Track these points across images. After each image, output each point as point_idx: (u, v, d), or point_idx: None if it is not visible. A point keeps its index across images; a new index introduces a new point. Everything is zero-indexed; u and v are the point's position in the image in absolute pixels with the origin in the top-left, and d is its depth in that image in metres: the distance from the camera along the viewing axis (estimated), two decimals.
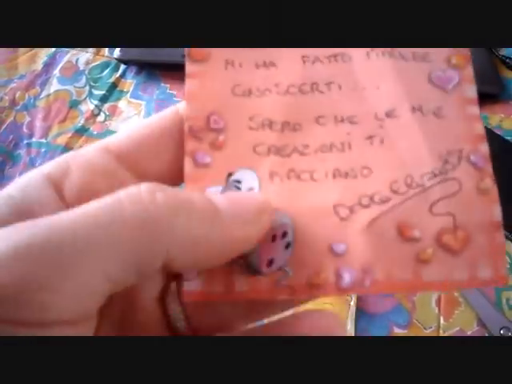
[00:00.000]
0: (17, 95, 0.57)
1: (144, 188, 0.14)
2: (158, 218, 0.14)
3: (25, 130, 0.55)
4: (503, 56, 0.55)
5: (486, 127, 0.53)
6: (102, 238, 0.13)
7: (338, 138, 0.18)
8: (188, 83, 0.19)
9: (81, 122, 0.55)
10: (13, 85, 0.58)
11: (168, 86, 0.56)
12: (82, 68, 0.58)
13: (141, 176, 0.18)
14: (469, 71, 0.19)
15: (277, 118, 0.19)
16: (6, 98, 0.57)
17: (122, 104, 0.56)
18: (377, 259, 0.17)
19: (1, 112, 0.56)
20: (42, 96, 0.57)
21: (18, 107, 0.56)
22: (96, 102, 0.56)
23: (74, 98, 0.56)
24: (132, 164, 0.18)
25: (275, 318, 0.18)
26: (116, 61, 0.58)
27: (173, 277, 0.18)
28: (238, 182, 0.18)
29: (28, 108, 0.56)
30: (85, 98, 0.56)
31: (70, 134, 0.54)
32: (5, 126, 0.55)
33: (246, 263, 0.17)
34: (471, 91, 0.18)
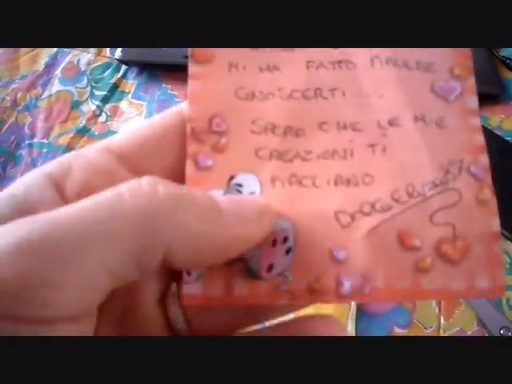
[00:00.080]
0: (18, 96, 0.57)
1: (145, 181, 0.14)
2: (158, 210, 0.14)
3: (26, 130, 0.55)
4: (503, 57, 0.55)
5: (486, 128, 0.53)
6: (102, 231, 0.13)
7: (341, 144, 0.18)
8: (191, 84, 0.19)
9: (82, 122, 0.55)
10: (14, 85, 0.58)
11: (169, 86, 0.56)
12: (83, 69, 0.58)
13: (141, 176, 0.18)
14: (471, 82, 0.19)
15: (280, 122, 0.18)
16: (8, 98, 0.57)
17: (123, 105, 0.56)
18: (377, 267, 0.17)
19: (2, 112, 0.56)
20: (43, 96, 0.57)
21: (20, 108, 0.56)
22: (97, 103, 0.56)
23: (75, 98, 0.56)
24: (134, 164, 0.18)
25: (276, 321, 0.18)
26: (117, 61, 0.58)
27: (173, 278, 0.18)
28: (240, 185, 0.18)
29: (29, 108, 0.56)
30: (86, 99, 0.56)
31: (71, 135, 0.54)
32: (6, 126, 0.55)
33: (245, 268, 0.17)
34: (473, 102, 0.18)
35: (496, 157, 0.51)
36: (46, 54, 0.60)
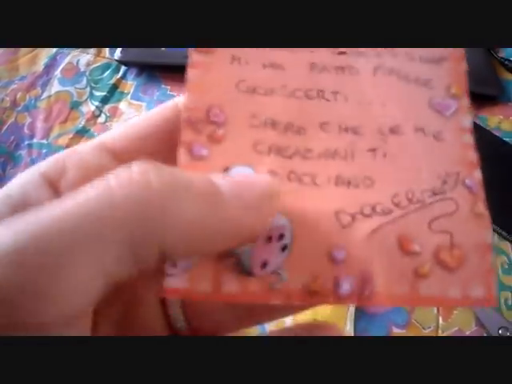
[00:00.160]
0: (18, 96, 0.57)
1: (136, 169, 0.14)
2: (151, 202, 0.13)
3: (26, 130, 0.55)
4: (502, 58, 0.55)
5: (485, 129, 0.53)
6: (92, 231, 0.13)
7: (342, 145, 0.18)
8: (190, 73, 0.18)
9: (82, 123, 0.55)
10: (14, 86, 0.58)
11: (168, 87, 0.56)
12: (82, 69, 0.59)
13: None
14: (465, 102, 0.19)
15: (280, 118, 0.18)
16: (7, 99, 0.57)
17: (122, 105, 0.56)
18: (377, 270, 0.16)
19: (2, 113, 0.56)
20: (42, 97, 0.57)
21: (19, 108, 0.56)
22: (97, 104, 0.56)
23: (74, 99, 0.56)
24: (128, 161, 0.18)
25: (275, 322, 0.18)
26: (117, 62, 0.58)
27: None
28: None
29: (29, 109, 0.56)
30: (86, 100, 0.56)
31: (71, 135, 0.54)
32: (6, 126, 0.55)
33: (237, 263, 0.16)
34: (466, 121, 0.19)
35: (495, 158, 0.51)
36: (45, 54, 0.60)
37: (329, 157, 0.18)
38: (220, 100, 0.18)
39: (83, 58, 0.59)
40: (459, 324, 0.41)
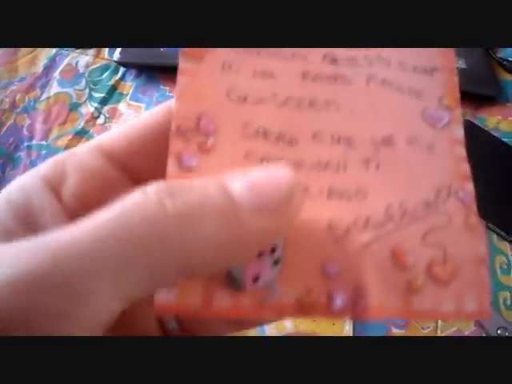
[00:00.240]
0: (17, 98, 0.57)
1: (152, 195, 0.13)
2: (168, 231, 0.13)
3: (25, 132, 0.55)
4: (501, 58, 0.55)
5: (483, 129, 0.53)
6: (110, 254, 0.13)
7: (334, 157, 0.18)
8: (180, 81, 0.18)
9: (81, 124, 0.55)
10: (13, 87, 0.58)
11: (167, 88, 0.56)
12: (81, 71, 0.59)
13: (133, 175, 0.18)
14: (458, 113, 0.19)
15: (272, 128, 0.18)
16: (7, 100, 0.57)
17: (121, 106, 0.56)
18: (370, 283, 0.16)
19: (1, 114, 0.56)
20: (42, 98, 0.57)
21: (19, 110, 0.56)
22: (96, 105, 0.56)
23: (74, 100, 0.56)
24: (124, 164, 0.18)
25: (275, 325, 0.18)
26: (115, 63, 0.58)
27: None
28: None
29: (28, 110, 0.56)
30: (85, 101, 0.56)
31: (70, 137, 0.54)
32: (5, 128, 0.55)
33: (228, 277, 0.16)
34: (459, 132, 0.19)
35: (493, 158, 0.51)
36: (44, 55, 0.60)
37: (321, 168, 0.17)
38: (210, 109, 0.18)
39: (82, 59, 0.59)
40: (458, 324, 0.41)
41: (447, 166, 0.18)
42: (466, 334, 0.40)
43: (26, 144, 0.54)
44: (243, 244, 0.14)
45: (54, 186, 0.17)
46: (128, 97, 0.56)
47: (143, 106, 0.56)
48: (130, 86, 0.57)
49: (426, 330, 0.41)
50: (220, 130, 0.17)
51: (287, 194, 0.14)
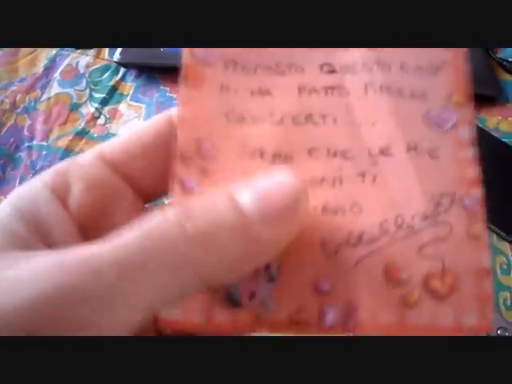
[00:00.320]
0: (17, 98, 0.57)
1: (171, 217, 0.14)
2: (188, 251, 0.14)
3: (25, 132, 0.55)
4: (500, 58, 0.55)
5: (483, 129, 0.53)
6: (136, 276, 0.13)
7: (330, 172, 0.18)
8: (181, 109, 0.18)
9: (81, 124, 0.55)
10: (13, 88, 0.58)
11: (168, 89, 0.57)
12: (82, 71, 0.59)
13: (134, 184, 0.19)
14: (468, 111, 0.18)
15: (268, 147, 0.18)
16: (7, 100, 0.57)
17: (122, 107, 0.56)
18: (362, 300, 0.16)
19: (2, 115, 0.56)
20: (42, 99, 0.57)
21: (19, 110, 0.57)
22: (96, 105, 0.56)
23: (74, 101, 0.57)
24: (126, 173, 0.18)
25: None
26: (116, 64, 0.58)
27: None
28: None
29: (29, 111, 0.56)
30: (85, 101, 0.56)
31: (70, 137, 0.54)
32: (5, 128, 0.55)
33: (226, 294, 0.16)
34: (468, 133, 0.18)
35: (493, 158, 0.51)
36: (44, 56, 0.60)
37: (316, 184, 0.17)
38: (210, 133, 0.18)
39: (82, 59, 0.59)
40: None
41: (452, 172, 0.17)
42: None
43: (26, 144, 0.54)
44: (255, 255, 0.15)
45: (59, 195, 0.17)
46: (128, 97, 0.57)
47: (143, 106, 0.56)
48: (130, 86, 0.57)
49: None
50: (220, 152, 0.18)
51: (293, 201, 0.15)
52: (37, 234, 0.16)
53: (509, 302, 0.41)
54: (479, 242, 0.17)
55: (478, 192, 0.17)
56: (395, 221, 0.17)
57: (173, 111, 0.19)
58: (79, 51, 0.60)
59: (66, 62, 0.59)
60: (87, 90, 0.57)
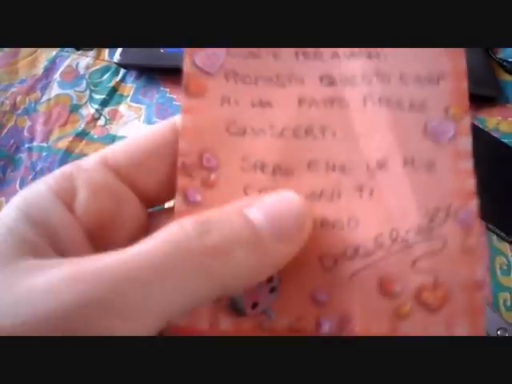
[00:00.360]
0: (17, 99, 0.57)
1: (190, 231, 0.15)
2: (207, 262, 0.15)
3: (26, 134, 0.55)
4: (500, 59, 0.55)
5: (483, 130, 0.53)
6: (157, 286, 0.14)
7: (329, 185, 0.18)
8: (183, 119, 0.19)
9: (81, 126, 0.55)
10: (13, 89, 0.58)
11: (168, 90, 0.57)
12: (82, 72, 0.59)
13: (138, 190, 0.19)
14: (466, 123, 0.18)
15: (269, 160, 0.18)
16: (7, 102, 0.57)
17: (122, 108, 0.56)
18: (357, 311, 0.17)
19: (2, 116, 0.56)
20: (42, 100, 0.57)
21: (19, 111, 0.57)
22: (96, 106, 0.56)
23: (74, 102, 0.57)
24: (129, 178, 0.18)
25: None
26: (116, 65, 0.58)
27: None
28: None
29: (29, 112, 0.57)
30: (85, 102, 0.56)
31: (70, 138, 0.54)
32: (6, 130, 0.55)
33: (231, 304, 0.17)
34: (466, 144, 0.18)
35: (493, 159, 0.51)
36: (44, 57, 0.60)
37: (315, 198, 0.18)
38: (212, 144, 0.18)
39: (82, 60, 0.59)
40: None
41: (449, 184, 0.18)
42: None
43: (26, 146, 0.54)
44: (266, 267, 0.16)
45: (65, 199, 0.17)
46: (128, 98, 0.57)
47: (144, 107, 0.56)
48: (130, 87, 0.57)
49: None
50: (221, 164, 0.18)
51: (301, 216, 0.16)
52: (46, 239, 0.16)
53: (509, 303, 0.41)
54: (473, 255, 0.17)
55: (473, 205, 0.17)
56: (390, 235, 0.17)
57: (177, 118, 0.19)
58: (79, 52, 0.60)
59: (66, 63, 0.60)
60: (87, 91, 0.57)
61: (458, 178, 0.18)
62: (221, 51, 0.19)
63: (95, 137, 0.54)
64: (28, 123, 0.56)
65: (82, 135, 0.54)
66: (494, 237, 0.45)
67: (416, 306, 0.17)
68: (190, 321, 0.17)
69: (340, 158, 0.18)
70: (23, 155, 0.54)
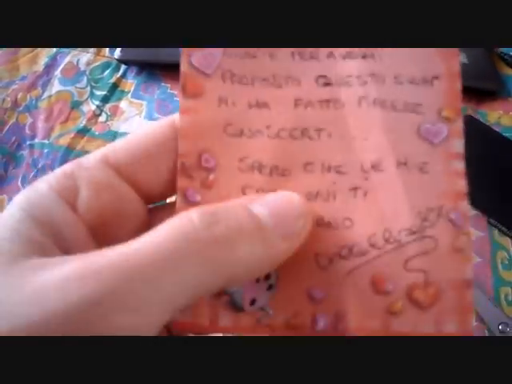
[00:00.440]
0: (19, 96, 0.57)
1: (198, 222, 0.15)
2: (217, 256, 0.15)
3: (27, 131, 0.55)
4: (502, 52, 0.55)
5: (484, 124, 0.53)
6: (167, 279, 0.14)
7: (324, 186, 0.18)
8: (181, 119, 0.19)
9: (83, 122, 0.55)
10: (14, 86, 0.58)
11: (169, 85, 0.57)
12: (82, 69, 0.59)
13: (138, 187, 0.19)
14: (458, 125, 0.18)
15: (266, 161, 0.19)
16: (8, 99, 0.57)
17: (123, 104, 0.56)
18: (350, 308, 0.18)
19: (3, 113, 0.56)
20: (43, 97, 0.57)
21: (20, 108, 0.57)
22: (97, 103, 0.56)
23: (75, 98, 0.57)
24: (130, 177, 0.19)
25: None
26: (117, 61, 0.58)
27: None
28: None
29: (30, 109, 0.57)
30: (86, 99, 0.56)
31: (72, 135, 0.54)
32: (7, 127, 0.55)
33: (230, 301, 0.18)
34: (458, 146, 0.18)
35: (494, 153, 0.51)
36: (45, 54, 0.60)
37: (312, 198, 0.18)
38: (210, 145, 0.19)
39: (83, 57, 0.59)
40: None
41: (441, 185, 0.18)
42: None
43: (28, 143, 0.54)
44: (269, 259, 0.16)
45: (67, 198, 0.17)
46: (129, 94, 0.57)
47: (145, 103, 0.56)
48: (131, 83, 0.57)
49: None
50: (219, 165, 0.19)
51: (302, 213, 0.17)
52: (51, 238, 0.16)
53: (510, 298, 0.41)
54: (463, 254, 0.18)
55: (464, 205, 0.18)
56: (383, 235, 0.18)
57: (176, 116, 0.19)
58: (80, 49, 0.60)
59: (67, 59, 0.59)
60: (88, 88, 0.57)
61: (450, 179, 0.18)
62: (217, 51, 0.19)
63: (96, 133, 0.54)
64: (29, 120, 0.56)
65: (83, 132, 0.54)
66: (496, 231, 0.45)
67: (408, 303, 0.17)
68: (191, 317, 0.18)
69: (335, 159, 0.19)
70: (25, 152, 0.54)
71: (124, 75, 0.58)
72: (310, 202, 0.18)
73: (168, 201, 0.20)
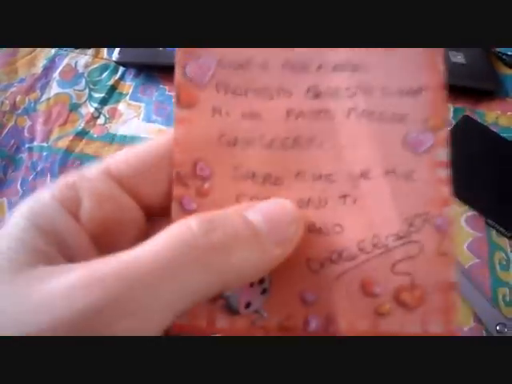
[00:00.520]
0: (17, 99, 0.57)
1: (198, 232, 0.15)
2: (215, 262, 0.15)
3: (26, 133, 0.55)
4: (499, 52, 0.55)
5: (482, 124, 0.53)
6: (167, 285, 0.14)
7: (315, 194, 0.19)
8: (176, 129, 0.19)
9: (81, 125, 0.55)
10: (13, 89, 0.58)
11: (167, 87, 0.57)
12: (81, 71, 0.59)
13: (140, 199, 0.19)
14: (443, 133, 0.19)
15: (259, 170, 0.19)
16: (7, 102, 0.57)
17: (121, 106, 0.56)
18: (341, 310, 0.18)
19: (2, 116, 0.56)
20: (42, 100, 0.57)
21: (19, 111, 0.57)
22: (96, 105, 0.56)
23: (74, 101, 0.57)
24: (131, 188, 0.19)
25: None
26: (115, 63, 0.58)
27: None
28: None
29: (29, 112, 0.57)
30: (85, 101, 0.57)
31: (70, 137, 0.54)
32: (6, 130, 0.56)
33: (226, 304, 0.19)
34: (443, 154, 0.19)
35: (492, 153, 0.51)
36: (43, 56, 0.60)
37: (303, 206, 0.19)
38: (205, 154, 0.19)
39: (81, 59, 0.60)
40: (457, 320, 0.41)
41: (426, 193, 0.19)
42: (466, 330, 0.41)
43: (27, 145, 0.54)
44: (263, 265, 0.17)
45: (70, 209, 0.18)
46: (128, 96, 0.57)
47: (143, 105, 0.56)
48: (129, 85, 0.57)
49: None
50: (214, 174, 0.19)
51: (295, 219, 0.17)
52: (55, 247, 0.17)
53: (508, 298, 0.42)
54: (447, 258, 0.18)
55: (448, 211, 0.19)
56: (372, 240, 0.19)
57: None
58: (78, 51, 0.60)
59: (65, 61, 0.60)
60: (86, 90, 0.57)
61: (435, 186, 0.19)
62: (211, 61, 0.19)
63: (95, 136, 0.54)
64: (28, 123, 0.56)
65: (81, 134, 0.54)
66: (494, 232, 0.45)
67: (395, 305, 0.18)
68: (190, 319, 0.19)
69: (326, 167, 0.19)
70: (24, 155, 0.54)
71: (122, 77, 0.58)
72: (301, 209, 0.19)
73: None
